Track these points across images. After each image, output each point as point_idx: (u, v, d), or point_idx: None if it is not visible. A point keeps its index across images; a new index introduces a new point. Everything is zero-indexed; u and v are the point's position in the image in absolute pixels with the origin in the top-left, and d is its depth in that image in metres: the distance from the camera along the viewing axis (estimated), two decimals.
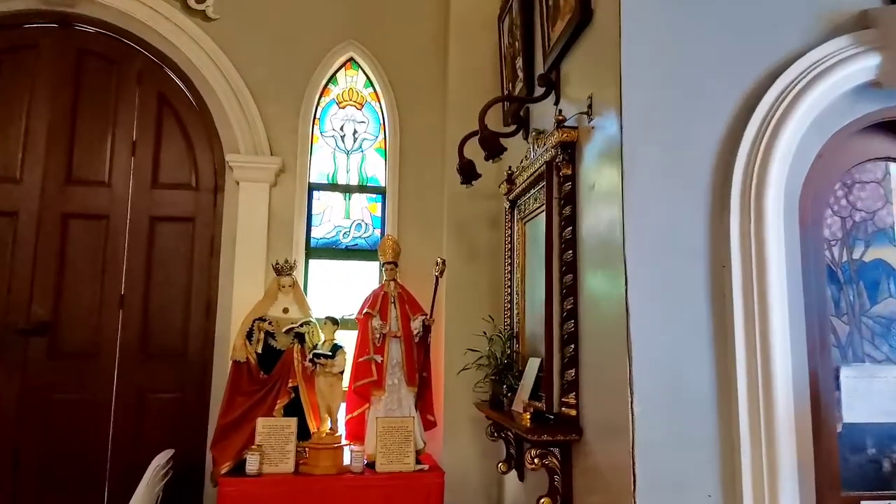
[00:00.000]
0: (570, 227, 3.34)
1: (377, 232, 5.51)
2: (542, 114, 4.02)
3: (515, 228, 4.41)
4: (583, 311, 3.23)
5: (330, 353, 4.44)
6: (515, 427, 3.45)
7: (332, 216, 5.50)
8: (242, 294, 4.90)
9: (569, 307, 3.30)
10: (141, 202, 5.06)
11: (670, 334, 2.66)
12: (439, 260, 4.66)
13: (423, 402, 4.67)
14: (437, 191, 5.43)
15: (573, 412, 3.21)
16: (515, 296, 4.34)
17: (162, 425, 4.90)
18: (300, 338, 4.64)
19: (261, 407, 4.47)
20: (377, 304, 4.70)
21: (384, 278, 4.86)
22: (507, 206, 4.51)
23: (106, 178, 5.10)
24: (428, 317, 4.67)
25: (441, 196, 5.39)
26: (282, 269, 4.70)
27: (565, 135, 3.36)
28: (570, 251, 3.33)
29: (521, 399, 3.71)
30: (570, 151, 3.39)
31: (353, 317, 4.80)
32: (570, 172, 3.39)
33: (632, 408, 2.64)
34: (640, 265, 2.70)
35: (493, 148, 3.98)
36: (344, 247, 5.46)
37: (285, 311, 4.69)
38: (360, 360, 4.55)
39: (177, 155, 5.22)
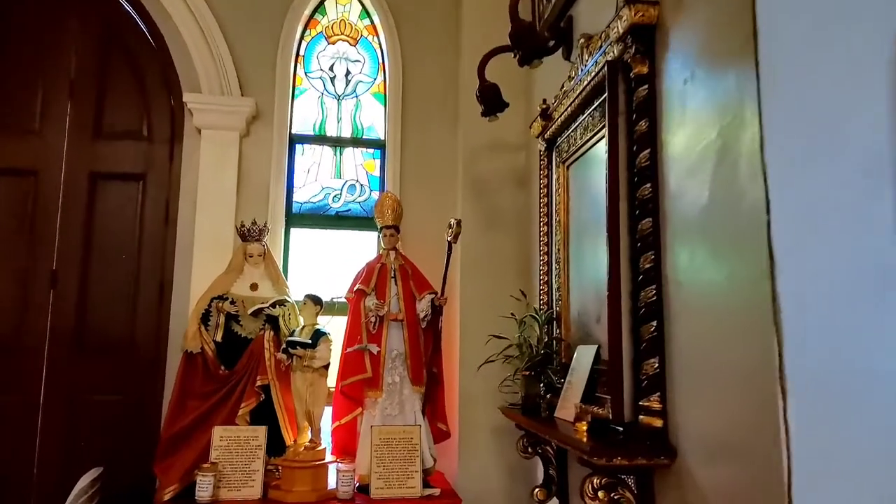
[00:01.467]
0: (648, 150, 2.28)
1: (375, 195, 4.45)
2: (594, 11, 2.94)
3: (554, 176, 3.33)
4: (672, 270, 2.16)
5: (310, 342, 3.38)
6: (566, 442, 2.38)
7: (320, 175, 4.44)
8: (205, 273, 3.83)
9: (647, 266, 2.24)
10: (79, 155, 4.07)
11: (843, 304, 1.60)
12: (453, 221, 3.58)
13: (433, 406, 3.59)
14: (449, 143, 4.37)
15: (657, 422, 2.15)
16: (555, 265, 3.26)
17: (102, 436, 3.86)
18: (272, 322, 3.59)
19: (219, 412, 3.41)
20: (372, 278, 3.63)
21: (382, 247, 3.80)
22: (543, 150, 3.43)
23: (35, 125, 4.06)
24: (438, 295, 3.59)
25: (454, 150, 4.33)
26: (249, 234, 3.65)
27: (640, 14, 2.29)
28: (648, 184, 2.27)
29: (571, 402, 2.64)
30: (646, 40, 2.33)
31: (342, 299, 3.72)
32: (646, 71, 2.33)
33: (785, 417, 1.57)
34: (784, 187, 1.64)
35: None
36: (334, 213, 4.40)
37: (253, 287, 3.63)
38: (350, 350, 3.48)
39: (125, 98, 4.19)
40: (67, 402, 3.88)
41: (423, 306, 3.60)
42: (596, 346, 2.66)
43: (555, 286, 3.26)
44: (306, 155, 4.45)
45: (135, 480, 3.57)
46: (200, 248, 4.00)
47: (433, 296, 3.62)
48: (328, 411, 3.55)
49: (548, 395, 3.09)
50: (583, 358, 2.76)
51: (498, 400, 3.45)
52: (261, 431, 3.30)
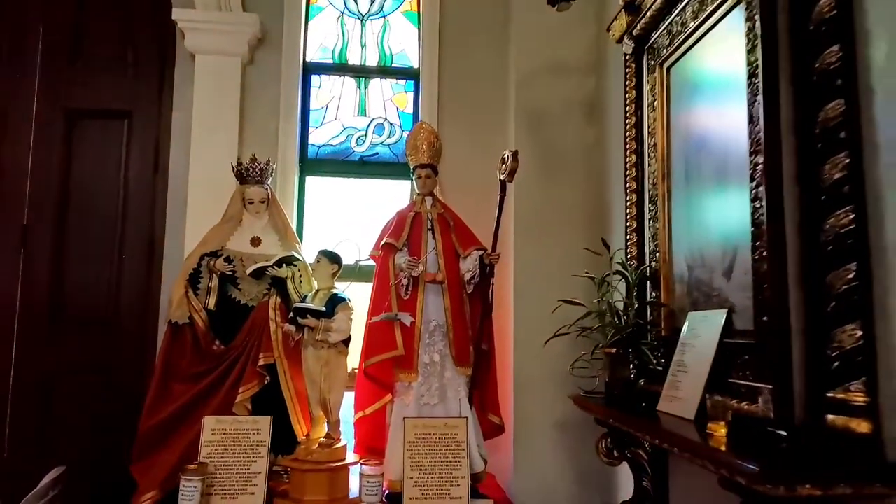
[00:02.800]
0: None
1: (407, 136, 3.64)
2: None
3: (646, 88, 2.48)
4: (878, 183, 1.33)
5: (324, 309, 2.62)
6: (696, 452, 1.57)
7: (341, 113, 3.67)
8: (201, 229, 3.07)
9: (836, 175, 1.40)
10: (51, 89, 3.33)
11: None
12: (507, 153, 2.77)
13: (483, 392, 2.80)
14: (498, 70, 3.55)
15: (861, 425, 1.35)
16: (648, 207, 2.43)
17: (80, 424, 3.18)
18: (279, 286, 2.85)
19: (213, 398, 2.70)
20: (404, 230, 2.85)
21: (416, 192, 3.01)
22: (629, 54, 2.58)
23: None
24: (489, 251, 2.79)
25: (503, 78, 3.52)
26: (247, 174, 2.90)
27: None
28: (835, 45, 1.42)
29: (687, 391, 1.84)
30: None
31: (367, 260, 2.95)
32: None
33: None
34: None
35: None
36: (358, 158, 3.62)
37: (255, 242, 2.89)
38: (376, 320, 2.71)
39: (104, 18, 3.45)
40: (40, 384, 3.21)
41: (468, 265, 2.80)
42: (724, 312, 1.84)
43: (648, 235, 2.42)
44: (323, 88, 3.66)
45: (111, 482, 2.88)
46: (196, 199, 3.27)
47: (481, 252, 2.82)
48: (349, 398, 2.79)
49: (639, 381, 2.28)
50: (702, 328, 1.93)
51: (567, 386, 2.65)
52: (264, 423, 2.57)
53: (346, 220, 3.55)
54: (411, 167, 3.00)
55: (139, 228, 3.38)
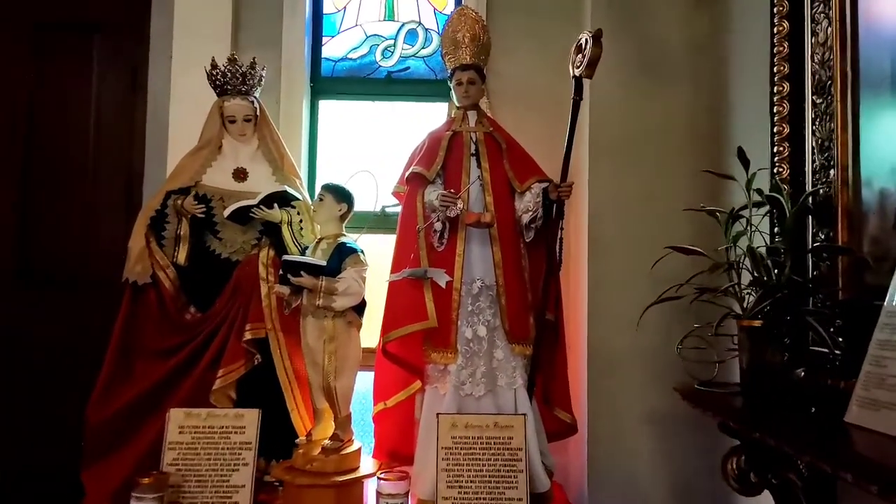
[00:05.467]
0: None
1: (444, 28, 2.83)
2: None
3: None
4: None
5: (324, 264, 1.89)
6: None
7: (362, 16, 2.87)
8: None
9: None
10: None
11: None
12: (585, 37, 1.92)
13: (549, 380, 2.02)
14: None
15: None
16: (811, 111, 1.55)
17: (45, 406, 2.59)
18: (272, 234, 2.12)
19: (183, 383, 2.03)
20: (437, 156, 2.07)
21: (455, 105, 2.21)
22: None
23: None
24: (557, 184, 1.97)
25: None
26: (225, 80, 2.15)
27: None
28: None
29: None
30: None
31: (393, 206, 2.21)
32: None
33: None
34: None
35: None
36: (384, 74, 2.83)
37: (239, 175, 2.16)
38: (397, 277, 1.95)
39: None
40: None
41: (527, 203, 2.00)
42: None
43: (811, 146, 1.56)
44: None
45: (59, 492, 2.26)
46: (180, 124, 2.56)
47: (546, 184, 2.01)
48: (364, 384, 2.07)
49: (797, 370, 1.47)
50: None
51: (668, 371, 1.85)
52: (250, 418, 1.89)
53: (369, 156, 2.79)
54: (448, 70, 2.20)
55: (114, 166, 2.71)
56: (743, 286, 1.52)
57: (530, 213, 1.98)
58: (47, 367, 2.62)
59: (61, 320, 2.65)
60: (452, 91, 2.20)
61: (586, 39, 1.89)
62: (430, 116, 2.79)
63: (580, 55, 1.91)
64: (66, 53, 2.74)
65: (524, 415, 1.80)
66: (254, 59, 2.17)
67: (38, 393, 2.62)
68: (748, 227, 1.55)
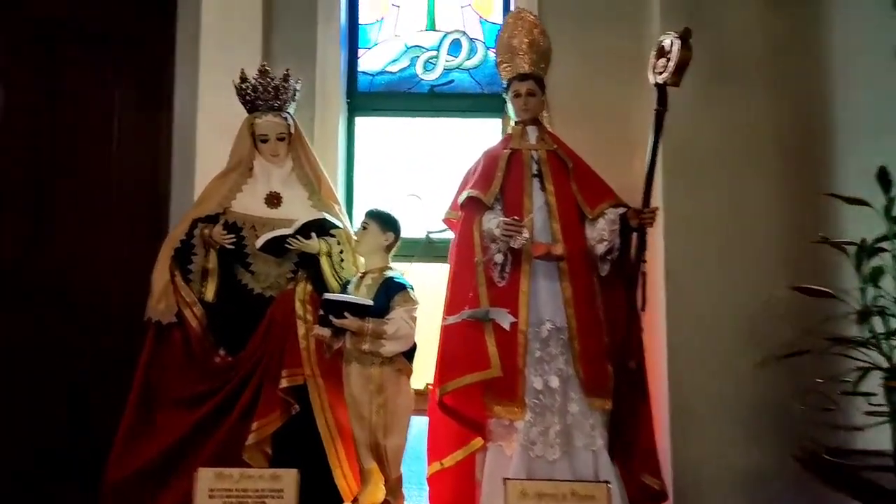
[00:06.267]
0: None
1: (493, 54, 2.60)
2: None
3: None
4: None
5: (371, 304, 1.65)
6: None
7: (401, 27, 2.66)
8: None
9: None
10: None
11: None
12: (670, 40, 1.66)
13: (632, 440, 1.72)
14: None
15: None
16: None
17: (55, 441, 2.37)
18: (309, 266, 1.89)
19: (213, 437, 1.79)
20: (494, 177, 1.83)
21: (512, 120, 1.97)
22: None
23: None
24: (638, 209, 1.72)
25: None
26: (257, 94, 1.92)
27: None
28: None
29: None
30: None
31: (440, 231, 1.97)
32: None
33: None
34: None
35: None
36: (427, 88, 2.61)
37: (272, 200, 1.93)
38: (453, 320, 1.69)
39: None
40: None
41: (601, 231, 1.75)
42: None
43: None
44: None
45: None
46: (207, 144, 2.37)
47: (623, 210, 1.75)
48: (420, 443, 1.81)
49: None
50: None
51: (773, 430, 1.56)
52: (289, 478, 1.64)
53: (411, 177, 2.56)
54: (504, 81, 1.96)
55: (138, 183, 2.52)
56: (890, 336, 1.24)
57: (605, 243, 1.72)
58: (40, 405, 2.40)
59: (67, 352, 2.44)
60: (509, 104, 1.96)
61: (671, 41, 1.64)
62: (478, 133, 2.56)
63: (663, 59, 1.66)
64: (86, 69, 2.55)
65: (607, 482, 1.53)
66: (287, 70, 1.95)
67: (41, 424, 2.40)
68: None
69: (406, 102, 2.61)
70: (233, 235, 1.85)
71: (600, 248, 1.73)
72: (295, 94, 1.97)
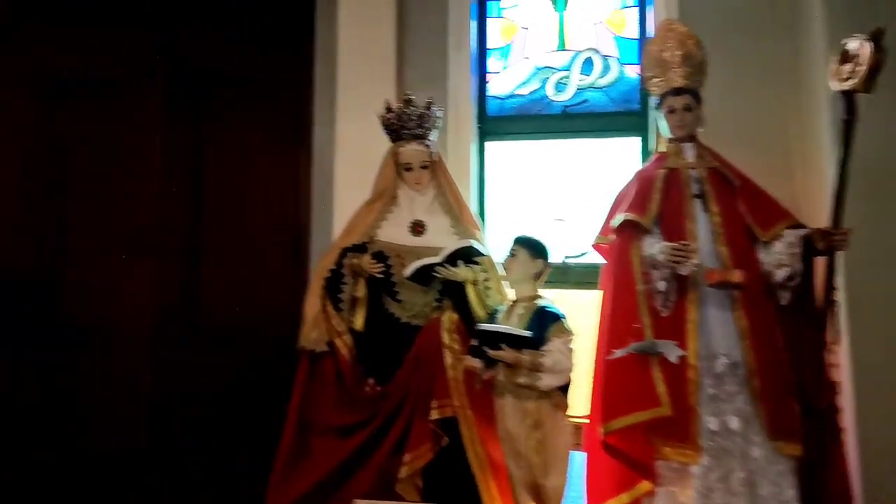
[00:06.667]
0: None
1: (630, 71, 2.50)
2: None
3: None
4: None
5: (529, 334, 1.58)
6: None
7: (530, 48, 2.62)
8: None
9: None
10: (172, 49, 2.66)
11: None
12: (858, 44, 1.49)
13: (827, 491, 1.53)
14: None
15: None
16: None
17: (209, 466, 2.46)
18: (453, 295, 1.85)
19: (364, 467, 1.77)
20: (651, 199, 1.71)
21: (666, 138, 1.85)
22: None
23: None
24: (826, 230, 1.55)
25: None
26: (401, 123, 1.92)
27: None
28: None
29: None
30: None
31: (578, 256, 1.88)
32: None
33: None
34: None
35: None
36: (559, 109, 2.55)
37: (417, 228, 1.92)
38: (616, 355, 1.58)
39: None
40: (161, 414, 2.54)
41: (779, 255, 1.59)
42: None
43: None
44: (508, 17, 2.64)
45: None
46: (345, 177, 2.44)
47: (804, 231, 1.59)
48: (580, 482, 1.71)
49: None
50: None
51: None
52: None
53: (545, 201, 2.49)
54: (656, 96, 1.85)
55: (280, 217, 2.61)
56: None
57: (786, 269, 1.56)
58: (214, 423, 2.52)
59: (226, 378, 2.55)
60: (662, 121, 1.84)
61: (860, 44, 1.47)
62: (615, 153, 2.46)
63: (849, 64, 1.49)
64: (228, 110, 2.68)
65: None
66: (430, 98, 1.95)
67: (202, 448, 2.51)
68: None
69: (538, 125, 2.55)
70: (382, 265, 1.84)
71: (780, 275, 1.57)
72: (437, 122, 1.96)
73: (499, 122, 2.58)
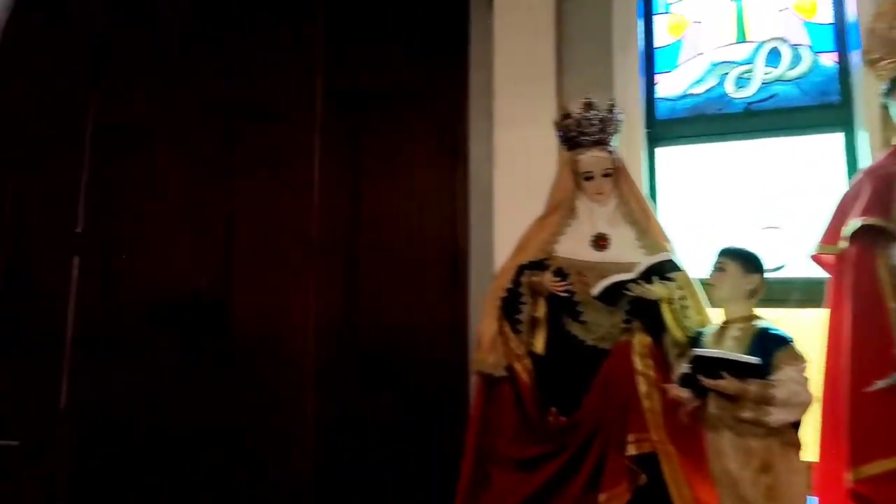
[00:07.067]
0: None
1: (825, 59, 2.20)
2: None
3: None
4: None
5: (757, 361, 1.36)
6: None
7: (704, 42, 2.39)
8: (515, 235, 2.09)
9: None
10: (330, 76, 2.71)
11: None
12: None
13: None
14: None
15: None
16: None
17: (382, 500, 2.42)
18: (643, 315, 1.66)
19: (553, 502, 1.62)
20: (893, 199, 1.43)
21: None
22: None
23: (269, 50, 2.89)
24: None
25: None
26: (580, 130, 1.76)
27: None
28: None
29: None
30: None
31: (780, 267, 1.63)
32: None
33: None
34: None
35: None
36: (742, 107, 2.29)
37: (600, 243, 1.75)
38: (879, 385, 1.31)
39: None
40: (344, 444, 2.53)
41: None
42: None
43: None
44: (675, 11, 2.44)
45: None
46: (505, 190, 2.34)
47: None
48: None
49: None
50: None
51: None
52: None
53: (731, 212, 2.23)
54: (885, 81, 1.57)
55: (436, 235, 2.55)
56: None
57: None
58: (381, 449, 2.48)
59: (387, 401, 2.50)
60: (891, 106, 1.56)
61: None
62: (813, 152, 2.16)
63: None
64: (381, 128, 2.68)
65: None
66: (612, 101, 1.79)
67: (370, 475, 2.47)
68: None
69: (716, 126, 2.30)
70: (566, 283, 1.70)
71: None
72: (619, 126, 1.79)
73: (670, 126, 2.37)
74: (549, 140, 2.08)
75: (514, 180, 2.33)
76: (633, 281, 1.62)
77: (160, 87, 2.83)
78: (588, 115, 1.75)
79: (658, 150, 2.37)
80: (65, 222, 2.97)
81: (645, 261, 1.64)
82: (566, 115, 1.79)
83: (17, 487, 2.91)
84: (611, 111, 1.77)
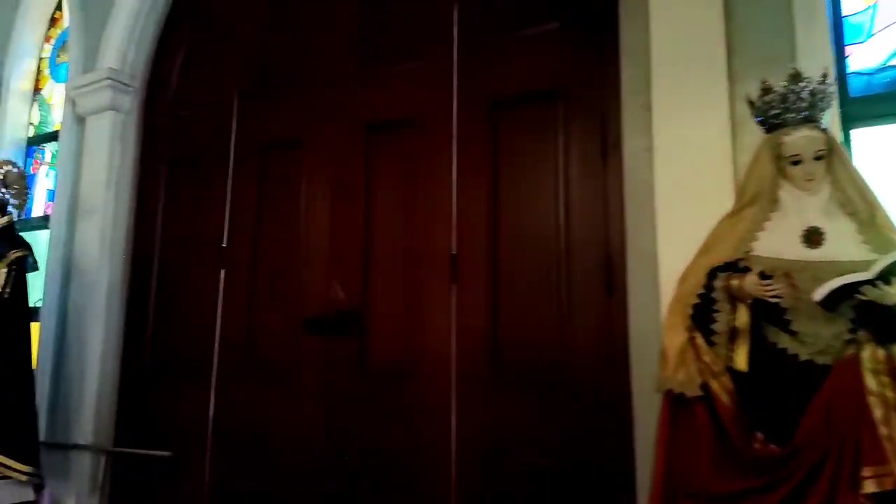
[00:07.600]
0: None
1: None
2: None
3: None
4: None
5: None
6: None
7: None
8: (681, 237, 1.87)
9: None
10: (472, 76, 2.63)
11: None
12: None
13: None
14: None
15: None
16: None
17: None
18: (871, 321, 1.37)
19: None
20: None
21: None
22: None
23: (413, 45, 2.83)
24: None
25: None
26: (785, 105, 1.51)
27: None
28: None
29: None
30: None
31: None
32: None
33: None
34: None
35: None
36: None
37: (813, 239, 1.48)
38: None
39: None
40: (480, 463, 2.40)
41: None
42: None
43: None
44: None
45: None
46: (668, 187, 2.10)
47: None
48: None
49: None
50: None
51: None
52: None
53: None
54: None
55: (588, 239, 2.35)
56: None
57: None
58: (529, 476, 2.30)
59: (533, 422, 2.32)
60: None
61: None
62: None
63: None
64: (525, 129, 2.53)
65: None
66: (825, 71, 1.52)
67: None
68: None
69: None
70: (775, 286, 1.44)
71: None
72: (832, 100, 1.52)
73: (867, 104, 2.03)
74: (718, 129, 1.84)
75: (679, 176, 2.09)
76: (868, 282, 1.34)
77: (309, 105, 2.91)
78: (795, 87, 1.49)
79: (854, 132, 2.04)
80: (212, 237, 3.11)
81: (884, 259, 1.35)
82: (767, 90, 1.54)
83: (172, 495, 3.03)
84: (824, 80, 1.50)
